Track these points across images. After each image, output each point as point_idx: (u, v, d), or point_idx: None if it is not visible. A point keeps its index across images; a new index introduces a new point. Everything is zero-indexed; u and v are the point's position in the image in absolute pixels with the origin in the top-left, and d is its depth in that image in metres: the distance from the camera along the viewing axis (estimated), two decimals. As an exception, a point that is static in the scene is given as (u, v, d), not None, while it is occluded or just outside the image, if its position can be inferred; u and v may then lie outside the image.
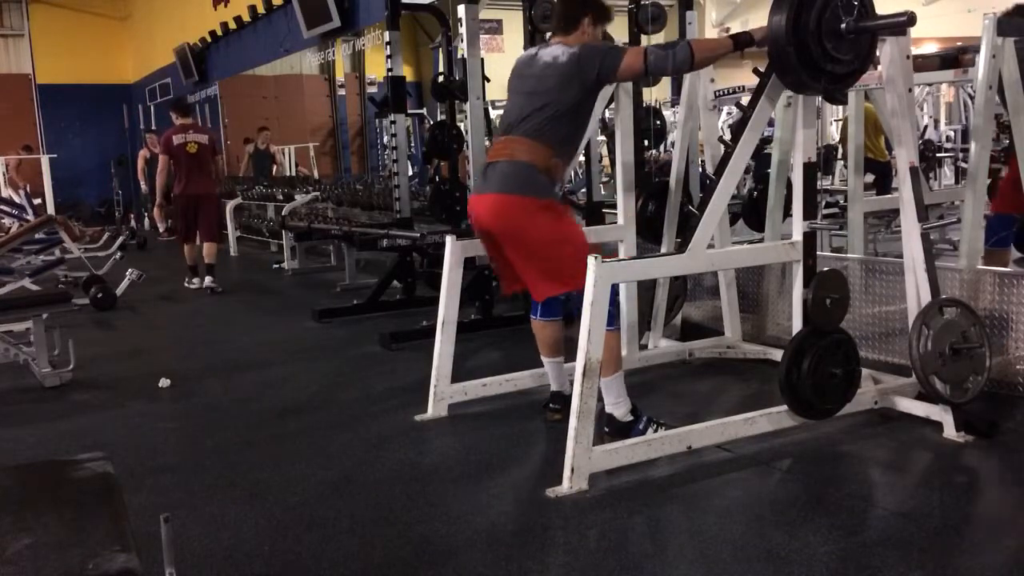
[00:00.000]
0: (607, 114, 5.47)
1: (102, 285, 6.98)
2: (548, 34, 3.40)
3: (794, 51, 2.97)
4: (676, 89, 6.31)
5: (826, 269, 3.36)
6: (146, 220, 13.90)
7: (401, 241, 6.49)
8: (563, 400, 3.53)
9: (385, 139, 9.92)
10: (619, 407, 3.30)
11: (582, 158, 5.89)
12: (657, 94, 7.49)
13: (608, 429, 3.29)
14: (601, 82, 3.28)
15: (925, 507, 2.77)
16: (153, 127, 14.07)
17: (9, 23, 16.20)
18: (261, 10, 10.61)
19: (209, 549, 2.63)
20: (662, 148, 7.57)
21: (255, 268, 9.24)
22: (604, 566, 2.43)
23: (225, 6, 11.89)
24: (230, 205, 10.40)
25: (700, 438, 3.19)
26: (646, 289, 4.42)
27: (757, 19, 10.49)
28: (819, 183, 3.82)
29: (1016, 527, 2.60)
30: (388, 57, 6.51)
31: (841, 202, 6.30)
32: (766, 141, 6.03)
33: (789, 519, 2.67)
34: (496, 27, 12.82)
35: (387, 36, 6.52)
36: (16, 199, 11.35)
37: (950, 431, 3.27)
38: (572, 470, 2.90)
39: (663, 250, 4.34)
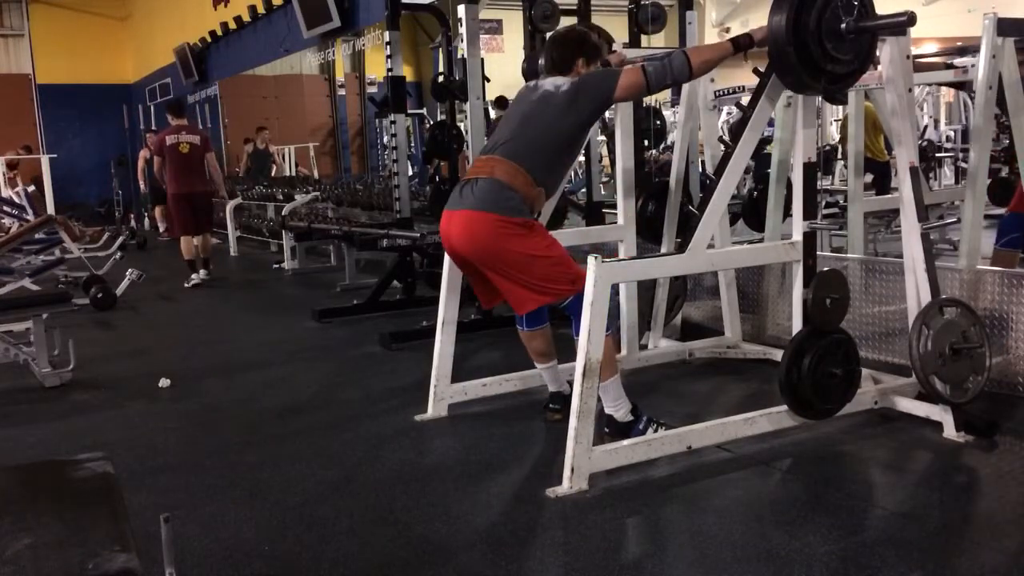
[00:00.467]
0: (607, 114, 5.47)
1: (102, 285, 6.98)
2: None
3: (794, 51, 2.97)
4: (676, 89, 6.31)
5: (826, 269, 3.36)
6: (146, 220, 13.91)
7: (401, 241, 6.50)
8: (563, 400, 3.53)
9: (385, 139, 9.94)
10: (619, 409, 3.30)
11: (582, 158, 5.89)
12: (657, 94, 7.48)
13: (608, 429, 3.30)
14: (604, 104, 3.30)
15: (925, 507, 2.77)
16: (153, 127, 14.06)
17: (9, 23, 16.20)
18: (261, 10, 10.61)
19: (209, 549, 2.63)
20: (661, 148, 7.58)
21: (255, 268, 9.23)
22: (604, 566, 2.43)
23: (225, 6, 11.88)
24: (230, 205, 10.39)
25: (700, 438, 3.19)
26: (646, 289, 4.42)
27: (757, 19, 10.47)
28: (819, 183, 3.81)
29: (1016, 527, 2.60)
30: (388, 57, 6.52)
31: (841, 202, 6.29)
32: (766, 141, 6.03)
33: (789, 519, 2.67)
34: (496, 27, 12.84)
35: (387, 36, 6.53)
36: (16, 200, 11.36)
37: (950, 431, 3.27)
38: (572, 470, 2.90)
39: (663, 250, 4.34)
